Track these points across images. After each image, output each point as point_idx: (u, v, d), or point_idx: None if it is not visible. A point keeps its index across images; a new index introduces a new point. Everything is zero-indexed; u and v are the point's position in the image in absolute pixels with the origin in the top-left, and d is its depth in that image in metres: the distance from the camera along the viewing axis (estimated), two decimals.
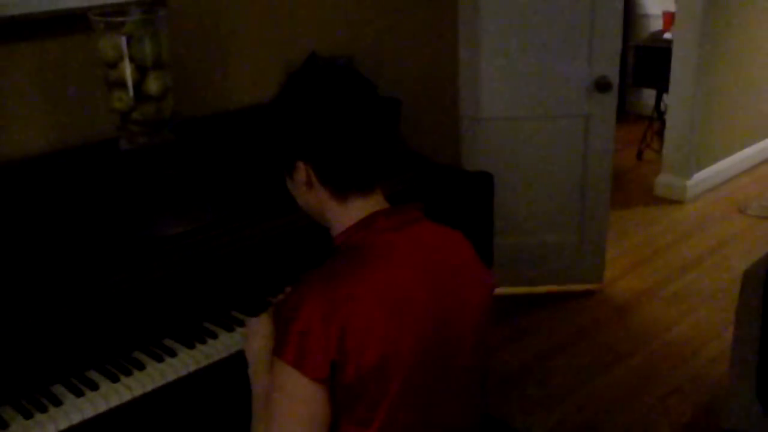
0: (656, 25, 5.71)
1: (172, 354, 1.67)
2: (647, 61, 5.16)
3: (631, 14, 5.94)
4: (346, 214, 1.39)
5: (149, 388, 1.59)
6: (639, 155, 5.36)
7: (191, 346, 1.70)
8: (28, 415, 1.48)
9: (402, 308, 1.30)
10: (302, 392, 1.27)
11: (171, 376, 1.62)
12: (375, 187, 1.41)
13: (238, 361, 1.66)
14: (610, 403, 2.80)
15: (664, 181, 4.71)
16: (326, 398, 1.29)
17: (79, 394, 1.55)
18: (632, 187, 4.87)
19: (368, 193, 1.40)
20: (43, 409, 1.50)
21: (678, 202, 4.61)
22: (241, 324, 1.76)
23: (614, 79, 3.21)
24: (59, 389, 1.56)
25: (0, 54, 1.92)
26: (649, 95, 5.71)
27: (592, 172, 3.41)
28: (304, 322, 1.25)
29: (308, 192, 1.40)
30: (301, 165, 1.36)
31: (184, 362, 1.65)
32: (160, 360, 1.65)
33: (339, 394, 1.30)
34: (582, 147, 3.36)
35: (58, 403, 1.52)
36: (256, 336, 1.49)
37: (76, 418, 1.50)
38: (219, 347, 1.71)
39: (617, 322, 3.35)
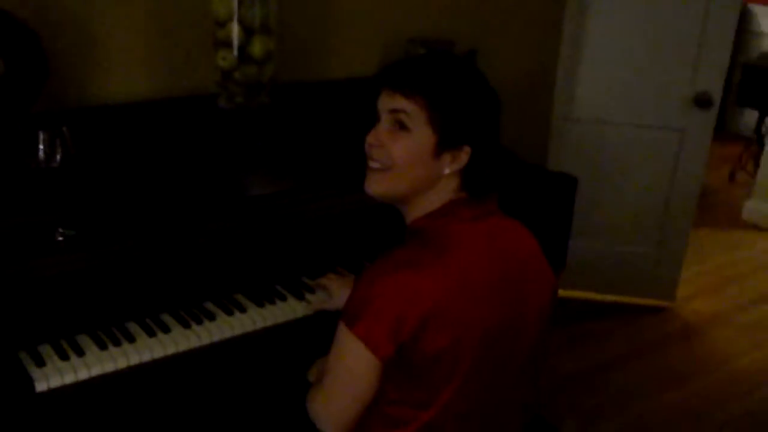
0: None
1: (242, 309, 1.73)
2: (754, 81, 4.99)
3: (744, 30, 5.74)
4: (438, 198, 1.39)
5: (216, 338, 1.65)
6: (731, 176, 5.21)
7: (260, 305, 1.76)
8: (103, 346, 1.57)
9: (474, 296, 1.32)
10: (363, 366, 1.31)
11: (238, 330, 1.68)
12: None
13: (301, 326, 1.72)
14: (660, 426, 2.75)
15: (753, 206, 4.57)
16: (380, 377, 1.33)
17: (152, 334, 1.62)
18: (719, 208, 4.74)
19: None
20: (117, 343, 1.58)
21: (766, 230, 4.46)
22: (311, 291, 1.81)
23: (716, 96, 3.13)
24: (134, 327, 1.64)
25: None
26: (751, 116, 5.53)
27: (679, 188, 3.33)
28: (381, 302, 1.28)
29: (434, 175, 1.37)
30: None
31: (252, 319, 1.72)
32: (230, 313, 1.71)
33: (402, 375, 1.33)
34: (672, 161, 3.30)
35: (131, 339, 1.60)
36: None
37: (146, 357, 1.57)
38: (286, 310, 1.76)
39: (683, 343, 3.28)
